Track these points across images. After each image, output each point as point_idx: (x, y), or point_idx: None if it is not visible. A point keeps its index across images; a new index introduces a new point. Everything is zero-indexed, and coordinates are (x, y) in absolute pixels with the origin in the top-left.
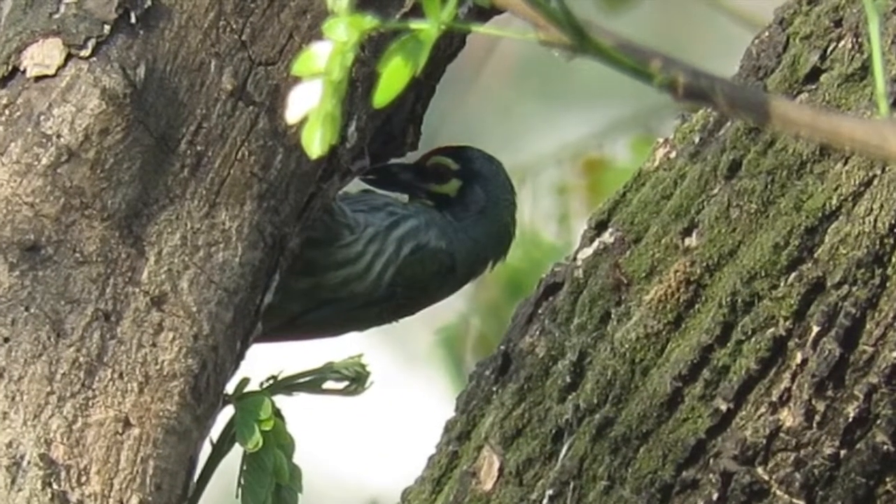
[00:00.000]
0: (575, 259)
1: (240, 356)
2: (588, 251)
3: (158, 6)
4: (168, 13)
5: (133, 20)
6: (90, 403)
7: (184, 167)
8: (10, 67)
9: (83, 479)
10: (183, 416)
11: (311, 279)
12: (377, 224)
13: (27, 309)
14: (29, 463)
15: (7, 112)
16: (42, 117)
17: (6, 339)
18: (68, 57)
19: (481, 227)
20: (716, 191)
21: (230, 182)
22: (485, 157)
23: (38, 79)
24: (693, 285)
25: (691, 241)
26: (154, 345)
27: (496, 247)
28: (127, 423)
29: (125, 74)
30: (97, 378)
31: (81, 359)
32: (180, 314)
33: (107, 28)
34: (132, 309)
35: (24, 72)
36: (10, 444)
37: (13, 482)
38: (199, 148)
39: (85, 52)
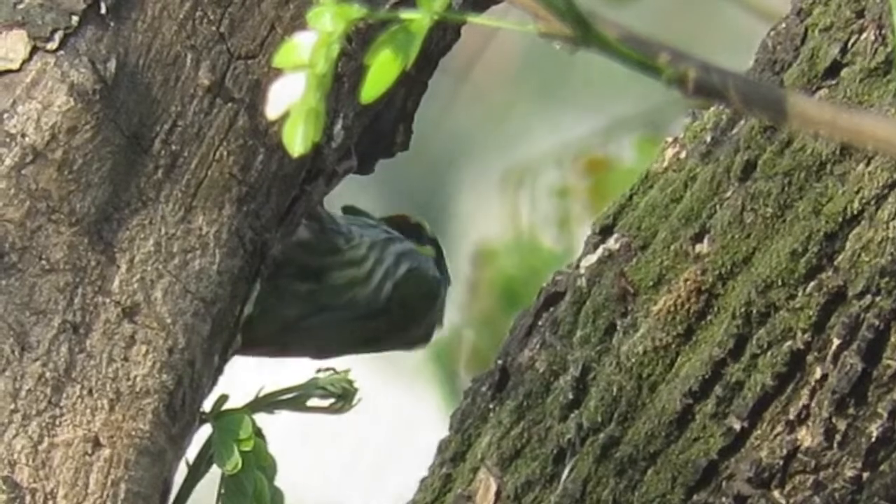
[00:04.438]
0: (578, 267)
1: (218, 371)
2: (592, 258)
3: None
4: (140, 3)
5: (103, 10)
6: (57, 422)
7: (157, 168)
8: None
9: (49, 503)
10: (157, 435)
11: (314, 282)
12: (373, 236)
13: None
14: None
15: None
16: (5, 115)
17: None
18: (33, 50)
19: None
20: (729, 194)
21: (207, 184)
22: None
23: (0, 74)
24: (704, 295)
25: (702, 247)
26: (126, 359)
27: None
28: (96, 444)
29: (95, 69)
30: (65, 395)
31: (48, 374)
32: (154, 326)
33: (75, 19)
34: (102, 320)
35: None
36: None
37: None
38: (173, 148)
39: (51, 45)
